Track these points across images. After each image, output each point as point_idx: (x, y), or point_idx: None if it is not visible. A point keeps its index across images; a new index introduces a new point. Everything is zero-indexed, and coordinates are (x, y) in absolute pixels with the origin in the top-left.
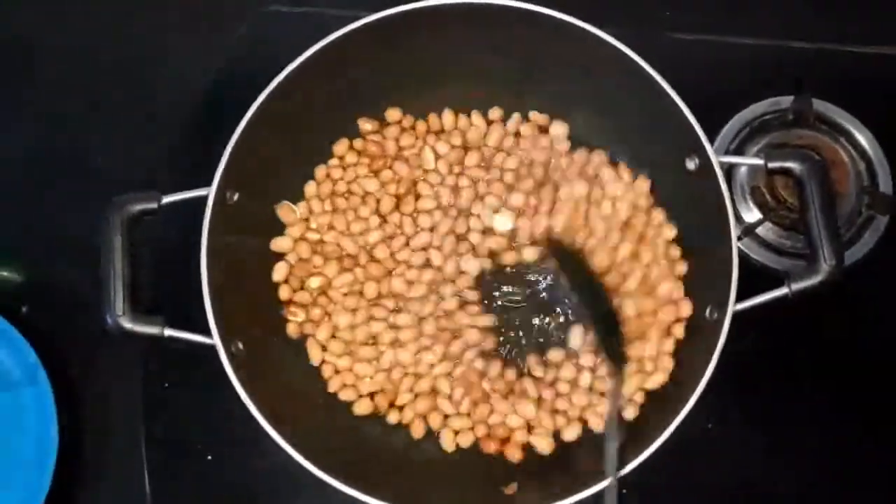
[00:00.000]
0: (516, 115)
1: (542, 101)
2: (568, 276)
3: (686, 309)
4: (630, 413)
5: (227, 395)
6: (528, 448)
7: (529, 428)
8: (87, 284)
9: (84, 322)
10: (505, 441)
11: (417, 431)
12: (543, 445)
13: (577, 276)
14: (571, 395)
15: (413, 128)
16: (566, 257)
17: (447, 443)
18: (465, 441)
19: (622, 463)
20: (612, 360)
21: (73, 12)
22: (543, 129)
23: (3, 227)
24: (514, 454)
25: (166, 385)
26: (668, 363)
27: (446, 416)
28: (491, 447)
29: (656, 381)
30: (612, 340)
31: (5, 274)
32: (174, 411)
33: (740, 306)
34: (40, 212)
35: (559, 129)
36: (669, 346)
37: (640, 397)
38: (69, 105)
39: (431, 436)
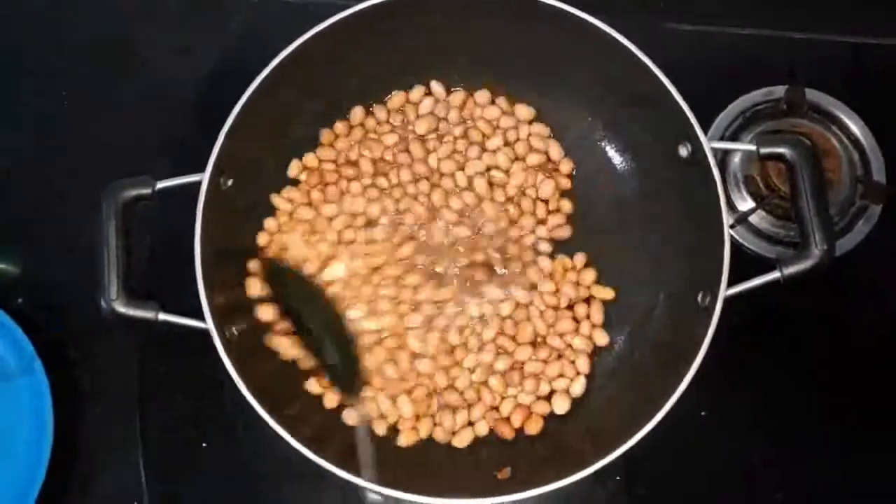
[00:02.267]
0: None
1: (532, 87)
2: (289, 302)
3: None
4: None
5: (223, 382)
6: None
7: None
8: (82, 276)
9: (80, 313)
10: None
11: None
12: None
13: (300, 299)
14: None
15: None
16: (285, 280)
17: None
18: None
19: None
20: (347, 392)
21: (68, 0)
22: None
23: None
24: (535, 428)
25: (162, 375)
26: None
27: (455, 410)
28: (507, 431)
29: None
30: (346, 370)
31: (1, 266)
32: (170, 401)
33: (732, 291)
34: (36, 203)
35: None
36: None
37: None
38: (63, 95)
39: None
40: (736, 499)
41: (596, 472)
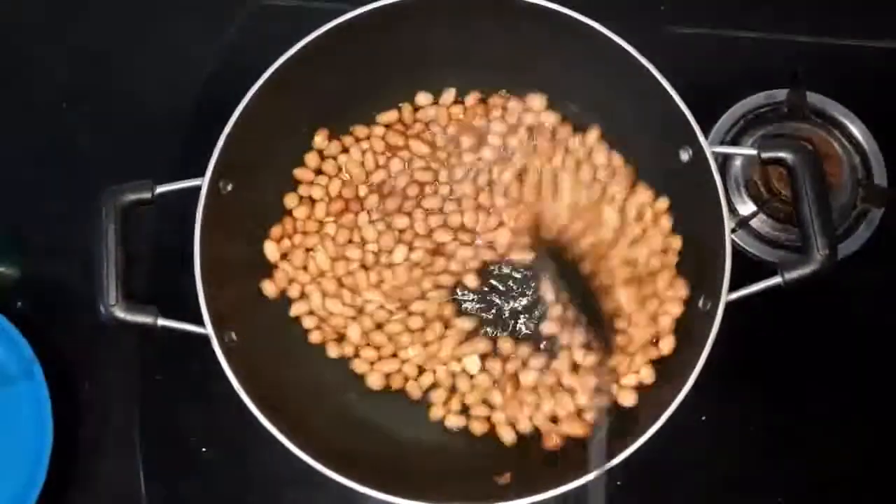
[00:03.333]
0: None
1: (535, 92)
2: (554, 273)
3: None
4: (629, 399)
5: (223, 387)
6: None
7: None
8: (82, 280)
9: (79, 317)
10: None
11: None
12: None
13: (564, 272)
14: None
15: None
16: (553, 256)
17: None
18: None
19: (610, 454)
20: (600, 348)
21: (68, 4)
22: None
23: None
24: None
25: (161, 379)
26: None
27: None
28: (553, 440)
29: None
30: (599, 328)
31: (0, 269)
32: (170, 405)
33: (733, 296)
34: (35, 207)
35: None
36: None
37: (634, 379)
38: (63, 98)
39: (426, 426)
40: (737, 503)
41: (594, 479)
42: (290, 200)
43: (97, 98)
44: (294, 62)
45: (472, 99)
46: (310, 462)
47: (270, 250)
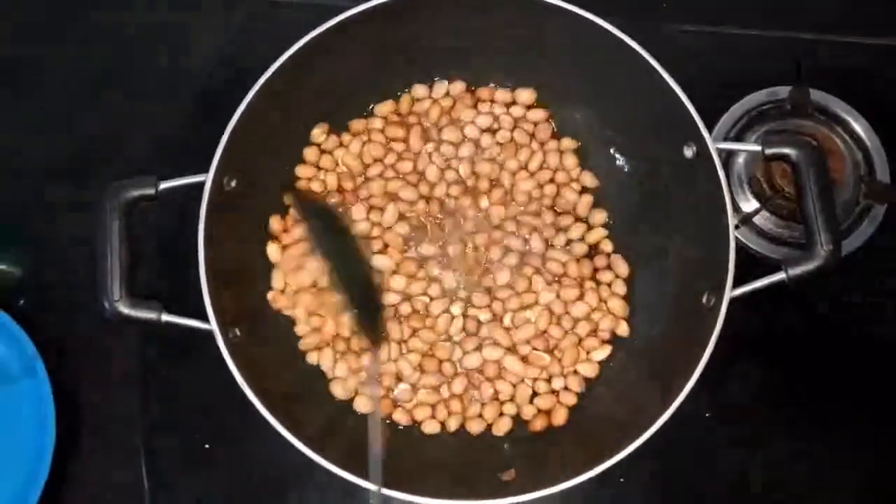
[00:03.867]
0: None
1: (539, 88)
2: (317, 237)
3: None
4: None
5: (226, 383)
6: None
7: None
8: (85, 277)
9: (82, 314)
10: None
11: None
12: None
13: (329, 237)
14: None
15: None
16: (316, 214)
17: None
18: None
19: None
20: (369, 336)
21: (68, 4)
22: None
23: (1, 219)
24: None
25: (164, 375)
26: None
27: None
28: (538, 425)
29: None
30: (368, 313)
31: (3, 267)
32: (172, 401)
33: (737, 292)
34: (38, 204)
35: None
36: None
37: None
38: (66, 96)
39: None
40: (739, 500)
41: (599, 474)
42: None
43: (100, 95)
44: (297, 58)
45: (457, 88)
46: (313, 457)
47: (272, 251)
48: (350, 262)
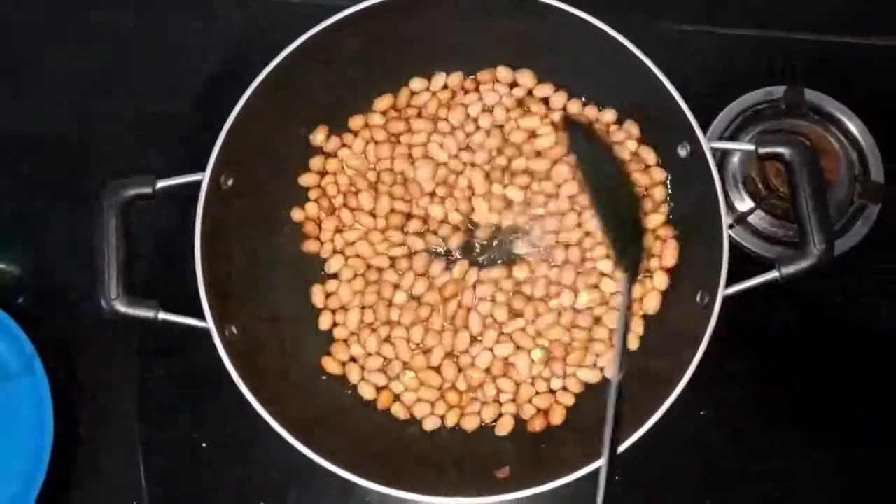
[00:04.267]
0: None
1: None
2: (585, 167)
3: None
4: (633, 343)
5: (223, 381)
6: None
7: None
8: (83, 276)
9: (80, 313)
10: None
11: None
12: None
13: (596, 165)
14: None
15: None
16: (585, 142)
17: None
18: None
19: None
20: (626, 269)
21: (68, 4)
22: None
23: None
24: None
25: (162, 374)
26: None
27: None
28: (537, 425)
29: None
30: (628, 247)
31: (2, 266)
32: (170, 400)
33: (731, 290)
34: (36, 203)
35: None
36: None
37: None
38: (66, 96)
39: (421, 420)
40: (734, 499)
41: (594, 472)
42: (297, 213)
43: (98, 93)
44: (294, 58)
45: (455, 79)
46: (310, 456)
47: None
48: (616, 190)
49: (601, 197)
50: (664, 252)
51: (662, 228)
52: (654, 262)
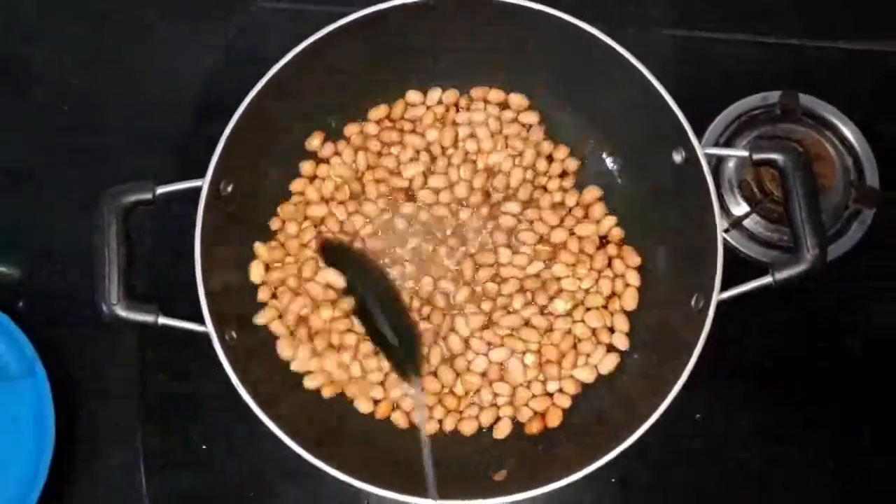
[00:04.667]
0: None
1: (527, 93)
2: (354, 280)
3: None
4: (622, 342)
5: (222, 384)
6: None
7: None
8: (83, 278)
9: (81, 316)
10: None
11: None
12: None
13: (362, 278)
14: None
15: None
16: (348, 260)
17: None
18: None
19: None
20: (411, 369)
21: (68, 7)
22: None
23: (1, 222)
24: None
25: (162, 376)
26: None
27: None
28: (534, 427)
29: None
30: (408, 347)
31: (3, 269)
32: (170, 402)
33: (725, 295)
34: (38, 207)
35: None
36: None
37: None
38: (64, 101)
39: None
40: (730, 500)
41: (590, 475)
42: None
43: (98, 99)
44: (294, 64)
45: (450, 96)
46: (308, 458)
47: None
48: (385, 300)
49: (379, 314)
50: (623, 254)
51: (615, 230)
52: (618, 265)
